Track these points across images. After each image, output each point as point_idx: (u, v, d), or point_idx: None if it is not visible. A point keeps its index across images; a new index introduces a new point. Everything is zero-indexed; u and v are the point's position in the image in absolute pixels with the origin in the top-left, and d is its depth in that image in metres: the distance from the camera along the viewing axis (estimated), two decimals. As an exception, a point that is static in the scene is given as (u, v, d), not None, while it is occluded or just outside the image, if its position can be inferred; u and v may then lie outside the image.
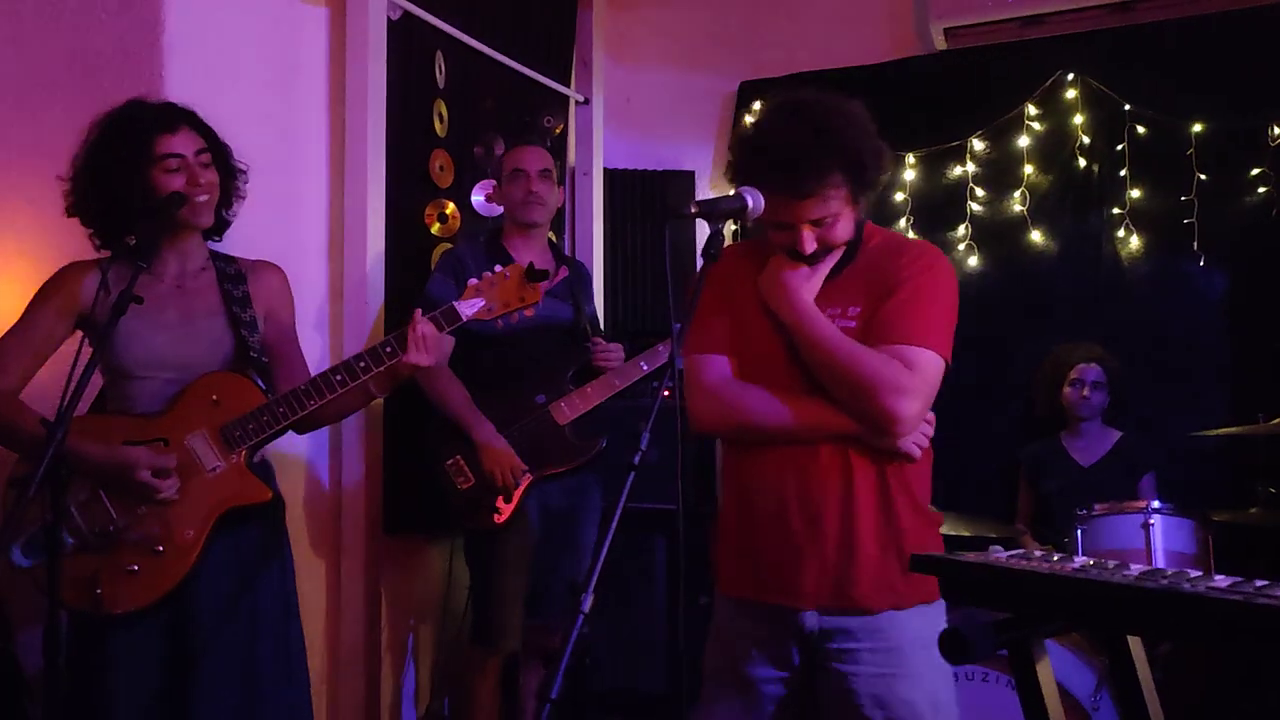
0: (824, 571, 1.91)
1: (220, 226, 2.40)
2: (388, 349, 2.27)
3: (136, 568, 2.15)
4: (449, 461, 3.07)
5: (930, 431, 2.00)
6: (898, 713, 1.89)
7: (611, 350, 3.24)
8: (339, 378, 2.24)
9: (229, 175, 2.35)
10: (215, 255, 2.39)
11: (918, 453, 1.96)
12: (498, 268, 2.33)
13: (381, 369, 2.27)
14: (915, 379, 1.87)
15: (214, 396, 2.23)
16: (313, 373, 2.34)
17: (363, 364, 2.26)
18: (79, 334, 2.25)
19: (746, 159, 1.91)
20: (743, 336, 2.01)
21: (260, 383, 2.30)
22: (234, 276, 2.37)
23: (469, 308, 2.31)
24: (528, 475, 3.08)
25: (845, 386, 1.88)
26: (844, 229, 1.93)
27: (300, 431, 2.46)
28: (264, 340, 2.37)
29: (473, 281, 2.34)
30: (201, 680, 2.17)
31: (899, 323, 1.91)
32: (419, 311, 2.30)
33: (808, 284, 1.95)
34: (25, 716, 2.57)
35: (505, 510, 3.05)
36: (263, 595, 2.29)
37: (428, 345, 2.27)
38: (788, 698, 1.99)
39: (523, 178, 3.21)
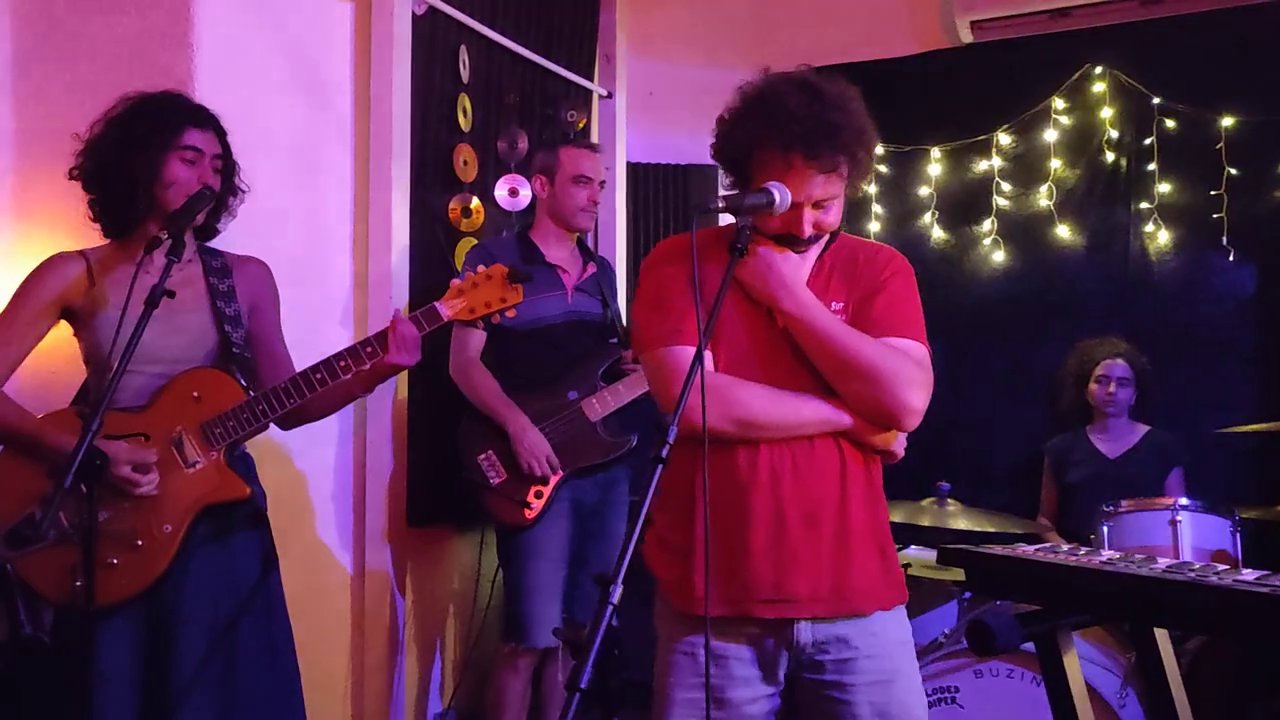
0: (820, 574, 1.83)
1: (209, 232, 2.41)
2: (368, 349, 2.26)
3: (116, 561, 2.15)
4: (481, 456, 3.08)
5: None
6: (898, 719, 1.84)
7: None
8: (319, 376, 2.24)
9: (229, 190, 2.38)
10: (202, 249, 2.40)
11: (902, 452, 1.93)
12: (480, 267, 2.32)
13: (363, 369, 2.28)
14: (923, 372, 1.85)
15: (195, 393, 2.24)
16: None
17: (343, 363, 2.25)
18: (93, 324, 2.27)
19: (757, 125, 1.83)
20: (720, 327, 1.89)
21: (242, 379, 2.30)
22: (220, 270, 2.38)
23: (449, 309, 2.30)
24: (559, 472, 3.09)
25: (857, 378, 1.82)
26: (838, 215, 1.89)
27: (284, 428, 2.46)
28: (248, 335, 2.39)
29: (455, 282, 2.34)
30: (182, 673, 2.18)
31: (896, 318, 1.89)
32: (398, 311, 2.31)
33: (800, 271, 1.90)
34: (55, 704, 2.60)
35: (536, 506, 3.06)
36: (244, 589, 2.30)
37: (408, 345, 2.27)
38: (772, 716, 1.91)
39: (587, 185, 3.22)
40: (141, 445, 2.19)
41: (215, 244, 2.46)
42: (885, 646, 1.85)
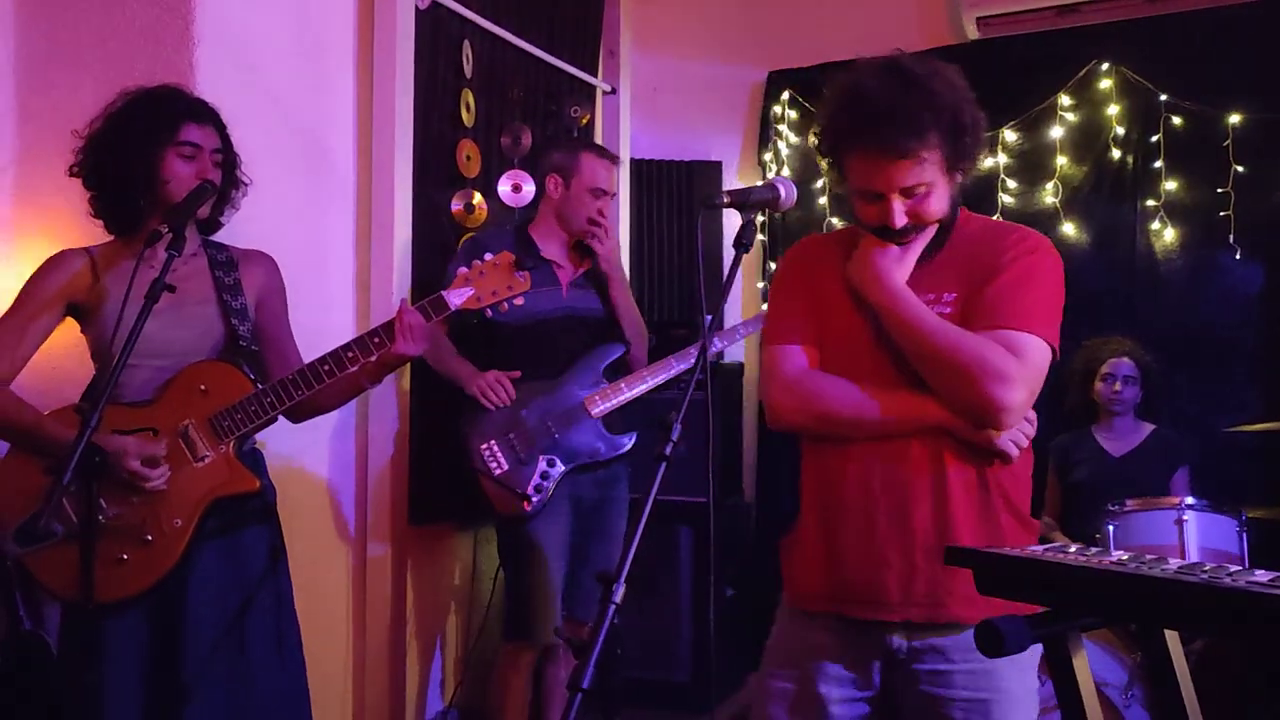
0: (913, 579, 1.75)
1: (213, 226, 2.42)
2: (375, 339, 2.26)
3: (126, 556, 2.15)
4: (484, 446, 3.07)
5: (1031, 431, 1.84)
6: None
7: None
8: (326, 368, 2.23)
9: (231, 184, 2.37)
10: (207, 243, 2.39)
11: (1015, 451, 1.80)
12: (487, 256, 2.31)
13: (370, 360, 2.27)
14: (1021, 365, 1.72)
15: (202, 386, 2.23)
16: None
17: (350, 354, 2.24)
18: (98, 319, 2.26)
19: (836, 117, 1.77)
20: (826, 326, 1.87)
21: (249, 372, 2.29)
22: (225, 264, 2.37)
23: (457, 297, 2.29)
24: (511, 378, 3.08)
25: (943, 372, 1.73)
26: (938, 203, 1.78)
27: (294, 420, 2.45)
28: (256, 327, 2.38)
29: (461, 270, 2.32)
30: (191, 668, 2.17)
31: (1003, 306, 1.76)
32: (404, 301, 2.29)
33: (899, 265, 1.80)
34: (56, 700, 2.59)
35: (536, 499, 3.04)
36: (254, 583, 2.29)
37: (415, 334, 2.26)
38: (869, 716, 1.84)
39: (600, 199, 3.20)
40: (150, 440, 2.18)
41: (220, 239, 2.44)
42: (988, 664, 1.70)
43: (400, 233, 3.27)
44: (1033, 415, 1.82)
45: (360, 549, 3.26)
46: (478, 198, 3.63)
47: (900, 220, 1.76)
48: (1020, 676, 1.79)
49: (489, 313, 2.34)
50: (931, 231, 1.82)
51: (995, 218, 4.27)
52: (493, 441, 3.07)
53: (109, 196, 2.28)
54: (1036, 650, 1.74)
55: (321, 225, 3.15)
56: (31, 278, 2.29)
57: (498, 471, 3.05)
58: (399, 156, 3.25)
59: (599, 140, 4.43)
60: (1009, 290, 1.77)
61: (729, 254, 1.78)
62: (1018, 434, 1.80)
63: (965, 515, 1.76)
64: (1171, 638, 1.42)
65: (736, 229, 1.75)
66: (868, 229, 1.83)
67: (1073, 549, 1.43)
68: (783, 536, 1.95)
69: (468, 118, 3.63)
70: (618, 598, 1.44)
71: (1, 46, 2.91)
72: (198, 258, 2.35)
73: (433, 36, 3.46)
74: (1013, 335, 1.74)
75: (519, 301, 2.35)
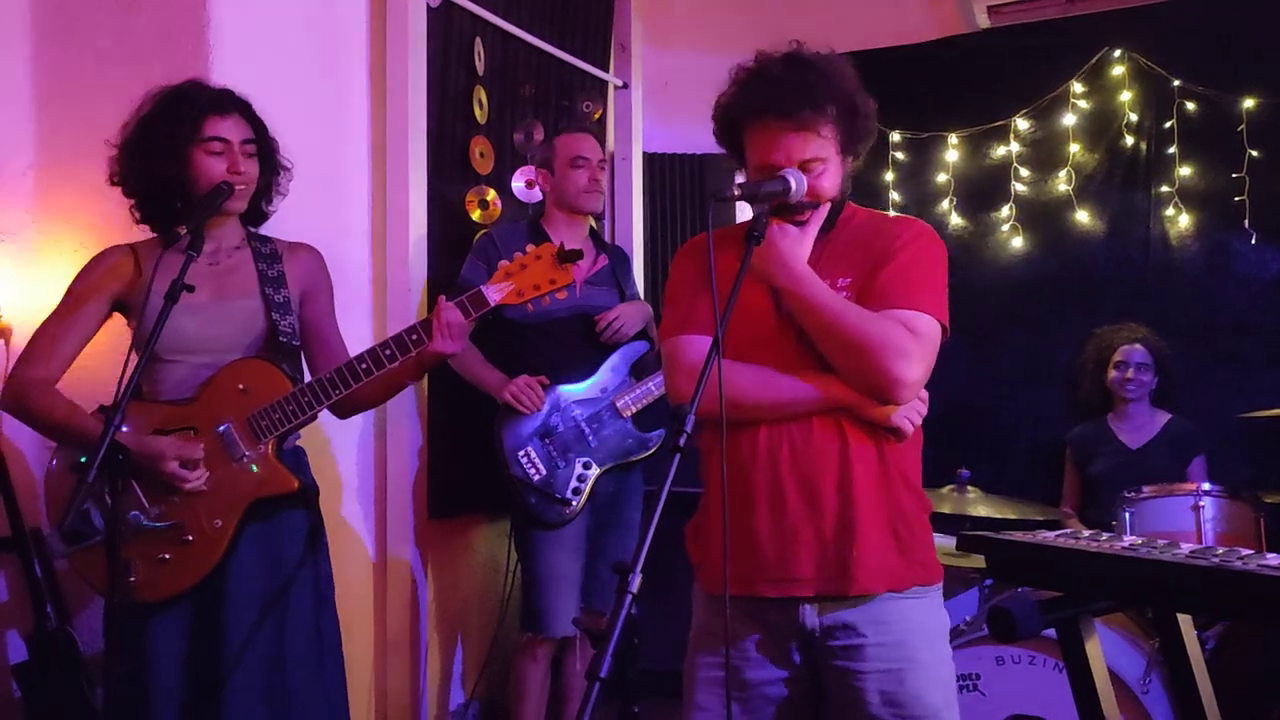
0: (823, 553, 1.81)
1: (257, 216, 2.40)
2: (414, 336, 2.22)
3: (168, 556, 2.15)
4: (520, 453, 3.08)
5: (923, 410, 1.90)
6: (911, 710, 1.78)
7: (613, 318, 3.19)
8: (364, 366, 2.21)
9: (272, 170, 2.35)
10: (251, 235, 2.38)
11: (909, 428, 1.86)
12: (529, 248, 2.23)
13: (409, 357, 2.24)
14: (918, 343, 1.79)
15: (241, 385, 2.22)
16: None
17: (388, 352, 2.21)
18: (143, 316, 2.25)
19: (738, 95, 1.87)
20: (732, 314, 1.87)
21: (287, 370, 2.28)
22: (269, 256, 2.35)
23: (497, 292, 2.21)
24: (544, 379, 3.09)
25: (845, 350, 1.79)
26: (831, 181, 1.86)
27: (341, 416, 2.45)
28: (301, 322, 2.37)
29: (502, 263, 2.24)
30: (234, 668, 2.17)
31: (898, 288, 1.83)
32: (443, 298, 2.25)
33: (799, 246, 1.84)
34: (83, 697, 2.63)
35: (576, 502, 3.06)
36: (295, 583, 2.28)
37: (454, 332, 2.22)
38: (790, 700, 1.88)
39: (586, 165, 3.22)
40: (189, 439, 2.19)
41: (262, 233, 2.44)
42: (898, 635, 1.81)
43: (415, 230, 3.28)
44: (925, 395, 1.88)
45: (381, 543, 3.28)
46: (491, 194, 3.64)
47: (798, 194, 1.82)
48: (930, 644, 1.83)
49: (530, 308, 2.29)
50: (825, 211, 1.88)
51: (1006, 208, 4.28)
52: (529, 447, 3.08)
53: (147, 201, 2.28)
54: (944, 618, 1.87)
55: (337, 222, 3.17)
56: (78, 275, 2.29)
57: (536, 478, 3.06)
58: (413, 154, 3.27)
59: (612, 136, 4.45)
60: (904, 273, 1.84)
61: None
62: (912, 411, 1.86)
63: (866, 490, 1.82)
64: (1185, 621, 1.43)
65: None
66: (768, 208, 1.85)
67: (1085, 534, 1.44)
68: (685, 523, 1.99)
69: (480, 114, 3.65)
70: (634, 587, 1.45)
71: (19, 52, 2.94)
72: (241, 250, 2.34)
73: (444, 35, 3.48)
74: (909, 315, 1.80)
75: (562, 295, 2.29)
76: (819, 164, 1.83)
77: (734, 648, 1.88)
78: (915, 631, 1.82)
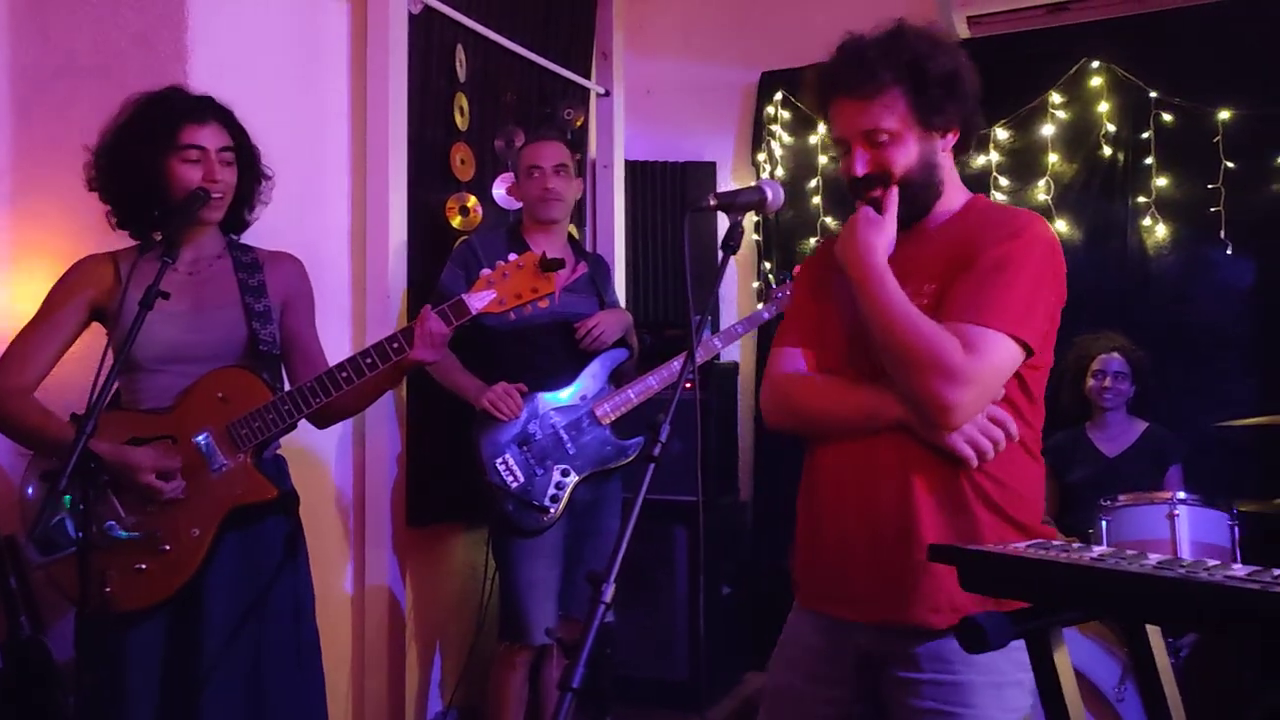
0: (879, 578, 1.71)
1: (238, 225, 2.40)
2: (394, 345, 2.21)
3: (144, 566, 2.14)
4: (498, 460, 3.08)
5: (998, 434, 1.69)
6: None
7: (592, 325, 3.18)
8: (345, 375, 2.20)
9: (253, 178, 2.35)
10: (232, 244, 2.37)
11: (970, 453, 1.67)
12: (511, 256, 2.22)
13: (389, 365, 2.23)
14: (974, 362, 1.61)
15: (221, 393, 2.21)
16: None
17: (369, 360, 2.20)
18: (121, 325, 2.25)
19: (813, 75, 1.83)
20: (827, 324, 1.84)
21: (267, 378, 2.28)
22: (250, 265, 2.34)
23: (479, 300, 2.20)
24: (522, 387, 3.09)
25: (893, 363, 1.67)
26: (903, 156, 1.73)
27: (320, 426, 2.45)
28: (281, 332, 2.36)
29: (485, 272, 2.24)
30: (211, 679, 2.16)
31: (968, 298, 1.66)
32: (428, 307, 2.24)
33: (880, 234, 1.72)
34: (58, 706, 2.61)
35: (554, 509, 3.06)
36: (273, 592, 2.27)
37: (435, 342, 2.22)
38: (849, 718, 1.81)
39: (539, 174, 3.20)
40: (168, 449, 2.18)
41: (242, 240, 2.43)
42: (959, 677, 1.68)
43: (395, 236, 3.28)
44: (1003, 415, 1.70)
45: (359, 551, 3.28)
46: (472, 201, 3.65)
47: (861, 167, 1.74)
48: (997, 694, 1.68)
49: (512, 315, 2.26)
50: (895, 193, 1.75)
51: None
52: (507, 455, 3.08)
53: (123, 208, 2.27)
54: (1022, 669, 1.64)
55: (316, 229, 3.16)
56: (57, 283, 2.28)
57: (514, 485, 3.06)
58: (393, 161, 3.27)
59: (593, 143, 4.45)
60: (979, 281, 1.67)
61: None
62: (977, 436, 1.68)
63: (930, 515, 1.69)
64: (1153, 632, 1.44)
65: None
66: (847, 190, 1.82)
67: (1055, 545, 1.44)
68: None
69: (461, 121, 3.65)
70: (607, 597, 1.45)
71: (-3, 57, 2.93)
72: (222, 259, 2.33)
73: (426, 41, 3.48)
74: (972, 331, 1.64)
75: (543, 304, 2.26)
76: (884, 135, 1.72)
77: (802, 659, 1.86)
78: (981, 679, 1.67)
